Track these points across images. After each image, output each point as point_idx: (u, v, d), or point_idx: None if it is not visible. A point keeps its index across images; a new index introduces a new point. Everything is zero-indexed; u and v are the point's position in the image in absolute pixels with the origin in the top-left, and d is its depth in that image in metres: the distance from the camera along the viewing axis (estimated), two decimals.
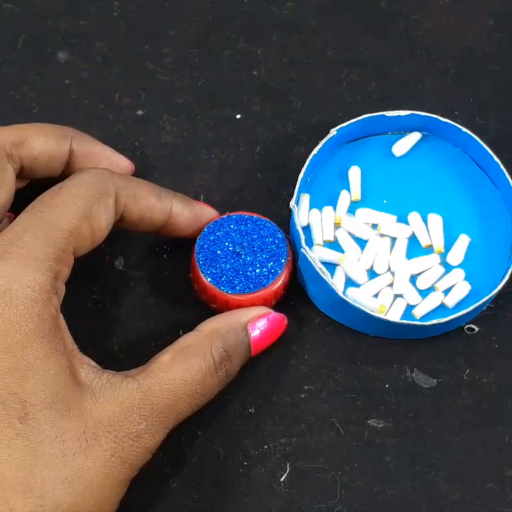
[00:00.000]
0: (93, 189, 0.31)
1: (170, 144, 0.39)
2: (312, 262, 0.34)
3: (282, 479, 0.34)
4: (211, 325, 0.32)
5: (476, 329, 0.36)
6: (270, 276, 0.34)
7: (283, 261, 0.34)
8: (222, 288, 0.34)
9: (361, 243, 0.37)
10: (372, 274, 0.36)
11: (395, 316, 0.35)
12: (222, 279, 0.34)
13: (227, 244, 0.34)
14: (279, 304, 0.35)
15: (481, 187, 0.38)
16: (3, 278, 0.28)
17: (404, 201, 0.38)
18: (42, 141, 0.33)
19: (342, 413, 0.35)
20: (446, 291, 0.36)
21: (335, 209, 0.37)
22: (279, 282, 0.34)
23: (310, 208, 0.37)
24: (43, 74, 0.40)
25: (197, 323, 0.33)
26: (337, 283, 0.35)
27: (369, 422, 0.34)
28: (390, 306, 0.35)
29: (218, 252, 0.34)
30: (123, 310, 0.36)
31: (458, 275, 0.36)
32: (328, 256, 0.36)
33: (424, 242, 0.37)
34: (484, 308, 0.36)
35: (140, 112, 0.40)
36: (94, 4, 0.42)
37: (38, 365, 0.27)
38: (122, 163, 0.36)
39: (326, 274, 0.34)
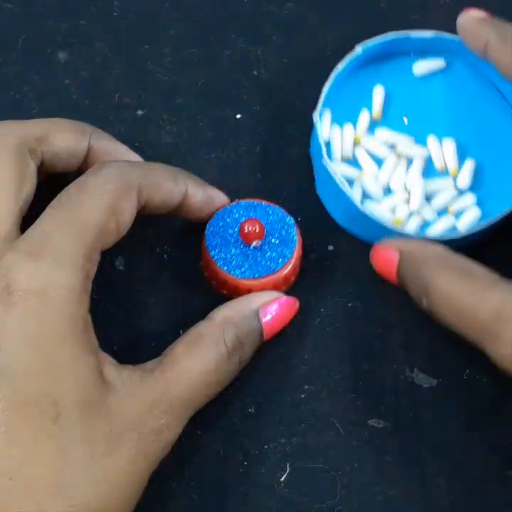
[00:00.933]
0: (118, 184, 0.30)
1: (170, 144, 0.39)
2: (333, 174, 0.35)
3: (282, 479, 0.34)
4: (223, 313, 0.32)
5: None
6: (280, 260, 0.34)
7: (292, 245, 0.34)
8: (232, 272, 0.34)
9: (379, 162, 0.38)
10: (388, 191, 0.37)
11: (411, 229, 0.36)
12: (232, 263, 0.34)
13: (236, 229, 0.34)
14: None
15: (501, 112, 0.39)
16: (38, 278, 0.28)
17: (423, 122, 0.39)
18: (62, 138, 0.33)
19: (342, 413, 0.35)
20: (458, 215, 0.37)
21: (355, 127, 0.38)
22: (288, 267, 0.34)
23: (331, 124, 0.38)
24: (43, 74, 0.40)
25: (197, 322, 0.33)
26: (356, 198, 0.36)
27: (369, 422, 0.34)
28: (407, 221, 0.36)
29: (228, 238, 0.34)
30: (123, 310, 0.36)
31: (468, 199, 0.37)
32: (346, 171, 0.37)
33: (438, 164, 0.38)
34: (493, 230, 0.36)
35: (140, 112, 0.40)
36: (94, 4, 0.42)
37: (70, 366, 0.27)
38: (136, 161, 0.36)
39: (345, 186, 0.35)
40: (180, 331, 0.35)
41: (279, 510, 0.33)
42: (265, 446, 0.34)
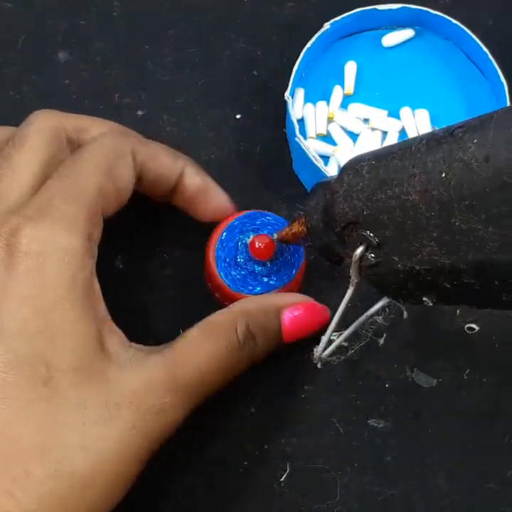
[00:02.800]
0: (111, 148, 0.31)
1: (170, 144, 0.39)
2: (306, 150, 0.36)
3: (282, 479, 0.34)
4: (243, 304, 0.32)
5: (476, 328, 0.36)
6: (271, 285, 0.34)
7: (291, 274, 0.34)
8: (221, 273, 0.33)
9: (353, 137, 0.39)
10: None
11: None
12: (224, 265, 0.34)
13: (246, 239, 0.34)
14: None
15: (471, 79, 0.40)
16: (37, 240, 0.28)
17: (396, 94, 0.40)
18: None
19: (342, 413, 0.35)
20: None
21: (328, 104, 0.39)
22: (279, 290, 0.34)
23: (304, 102, 0.39)
24: (43, 74, 0.40)
25: (197, 322, 0.33)
26: (331, 173, 0.36)
27: (369, 422, 0.34)
28: None
29: (237, 245, 0.34)
30: (123, 310, 0.36)
31: None
32: (321, 148, 0.38)
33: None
34: None
35: (140, 112, 0.40)
36: (94, 4, 0.42)
37: (66, 329, 0.27)
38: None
39: (319, 162, 0.35)
40: (180, 331, 0.35)
41: (279, 510, 0.33)
42: (265, 446, 0.34)
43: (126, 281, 0.36)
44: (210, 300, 0.35)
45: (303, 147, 0.36)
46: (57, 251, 0.28)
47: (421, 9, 0.39)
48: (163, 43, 0.41)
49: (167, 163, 0.33)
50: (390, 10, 0.39)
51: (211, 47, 0.41)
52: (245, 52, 0.41)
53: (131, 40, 0.41)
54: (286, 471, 0.34)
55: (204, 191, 0.34)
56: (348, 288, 0.29)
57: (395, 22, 0.40)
